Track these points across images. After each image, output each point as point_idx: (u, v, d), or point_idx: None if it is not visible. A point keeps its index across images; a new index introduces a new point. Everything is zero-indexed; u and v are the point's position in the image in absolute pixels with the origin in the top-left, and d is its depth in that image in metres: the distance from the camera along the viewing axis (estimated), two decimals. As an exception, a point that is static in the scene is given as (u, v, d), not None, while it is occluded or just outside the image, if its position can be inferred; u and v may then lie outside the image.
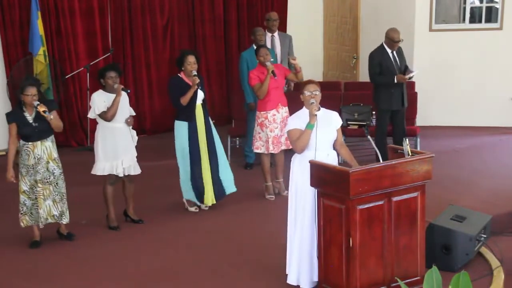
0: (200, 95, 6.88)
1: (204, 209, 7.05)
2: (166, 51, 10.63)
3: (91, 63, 9.58)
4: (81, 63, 9.74)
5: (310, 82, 5.33)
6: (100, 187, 6.60)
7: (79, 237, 6.32)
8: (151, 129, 10.58)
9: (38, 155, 6.01)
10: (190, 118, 6.85)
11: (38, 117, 5.99)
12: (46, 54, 9.17)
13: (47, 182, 6.06)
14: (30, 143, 6.00)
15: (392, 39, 7.87)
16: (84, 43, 9.88)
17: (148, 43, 10.42)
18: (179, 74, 6.89)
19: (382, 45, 8.02)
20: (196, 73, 6.77)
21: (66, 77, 9.60)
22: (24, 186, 6.05)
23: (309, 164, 4.90)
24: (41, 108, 5.90)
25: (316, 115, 5.05)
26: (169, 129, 7.08)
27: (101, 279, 5.52)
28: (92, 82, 9.60)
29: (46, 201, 6.07)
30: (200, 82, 6.81)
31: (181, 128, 6.88)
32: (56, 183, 6.11)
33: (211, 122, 7.03)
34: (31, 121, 5.99)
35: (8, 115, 6.08)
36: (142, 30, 10.35)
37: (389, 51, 7.96)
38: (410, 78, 8.03)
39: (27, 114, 5.99)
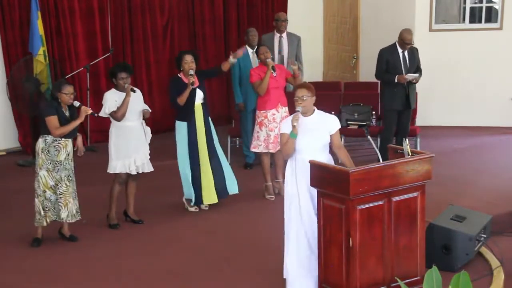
0: (199, 94, 6.87)
1: (204, 209, 7.05)
2: (166, 51, 10.63)
3: (91, 63, 9.58)
4: (81, 63, 9.74)
5: (301, 86, 5.22)
6: (100, 187, 6.62)
7: (79, 236, 6.31)
8: (151, 129, 10.51)
9: (69, 152, 6.06)
10: (189, 118, 6.85)
11: (72, 115, 6.03)
12: (46, 54, 9.16)
13: (71, 179, 6.10)
14: (63, 139, 6.00)
15: (403, 39, 7.97)
16: (84, 43, 9.87)
17: (148, 43, 10.42)
18: (178, 75, 6.90)
19: (394, 43, 8.11)
20: (192, 73, 6.76)
21: (66, 77, 9.58)
22: (50, 181, 6.03)
23: (304, 168, 4.94)
24: (89, 111, 5.98)
25: (295, 126, 5.00)
26: (169, 129, 7.10)
27: (101, 279, 5.52)
28: (92, 82, 9.62)
29: (74, 200, 6.13)
30: (199, 82, 6.82)
31: (180, 128, 6.89)
32: (74, 180, 6.17)
33: (211, 122, 7.02)
34: (68, 118, 6.01)
35: (49, 107, 6.02)
36: (142, 30, 10.35)
37: (400, 50, 8.04)
38: (411, 80, 8.02)
39: (63, 110, 6.02)
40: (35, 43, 9.06)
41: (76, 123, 5.97)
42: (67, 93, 5.95)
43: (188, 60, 6.78)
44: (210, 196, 6.96)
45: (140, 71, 10.43)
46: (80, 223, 6.54)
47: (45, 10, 9.39)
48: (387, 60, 8.05)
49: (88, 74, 9.50)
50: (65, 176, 6.05)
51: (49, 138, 5.99)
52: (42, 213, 6.04)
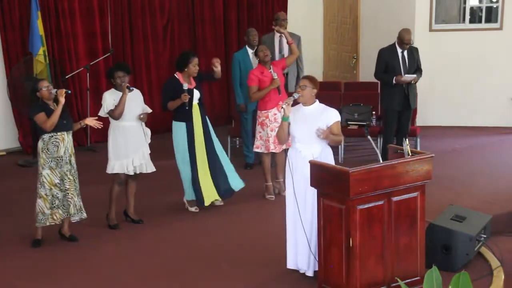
0: (196, 94, 6.86)
1: (204, 209, 7.04)
2: (166, 51, 10.63)
3: (91, 63, 9.58)
4: (81, 63, 9.74)
5: (305, 77, 5.50)
6: (100, 187, 6.62)
7: (79, 237, 6.32)
8: (151, 129, 10.49)
9: (66, 146, 6.04)
10: (187, 118, 6.84)
11: (62, 109, 5.99)
12: (46, 54, 9.17)
13: (72, 175, 6.10)
14: (59, 133, 5.99)
15: (402, 39, 7.96)
16: (84, 43, 9.87)
17: (148, 43, 10.42)
18: (175, 75, 6.87)
19: (394, 44, 8.10)
20: (187, 93, 6.70)
21: (66, 77, 9.58)
22: (55, 179, 6.03)
23: (294, 155, 5.21)
24: (63, 91, 5.93)
25: (283, 108, 5.21)
26: (169, 129, 7.08)
27: (101, 279, 5.52)
28: (92, 82, 9.62)
29: (78, 196, 6.14)
30: (197, 82, 6.83)
31: (179, 129, 6.88)
32: (77, 178, 6.16)
33: (208, 122, 7.02)
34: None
35: (33, 107, 6.02)
36: (142, 30, 10.35)
37: (399, 50, 8.03)
38: (409, 81, 8.01)
39: (50, 106, 6.00)
40: (35, 43, 9.06)
41: (59, 108, 5.91)
42: (45, 88, 5.96)
43: (196, 63, 6.77)
44: (209, 195, 6.95)
45: (140, 72, 10.43)
46: (80, 223, 6.55)
47: (45, 10, 9.38)
48: (386, 61, 8.04)
49: (88, 74, 9.50)
50: (67, 170, 6.04)
51: (46, 136, 5.99)
52: (47, 212, 6.03)
